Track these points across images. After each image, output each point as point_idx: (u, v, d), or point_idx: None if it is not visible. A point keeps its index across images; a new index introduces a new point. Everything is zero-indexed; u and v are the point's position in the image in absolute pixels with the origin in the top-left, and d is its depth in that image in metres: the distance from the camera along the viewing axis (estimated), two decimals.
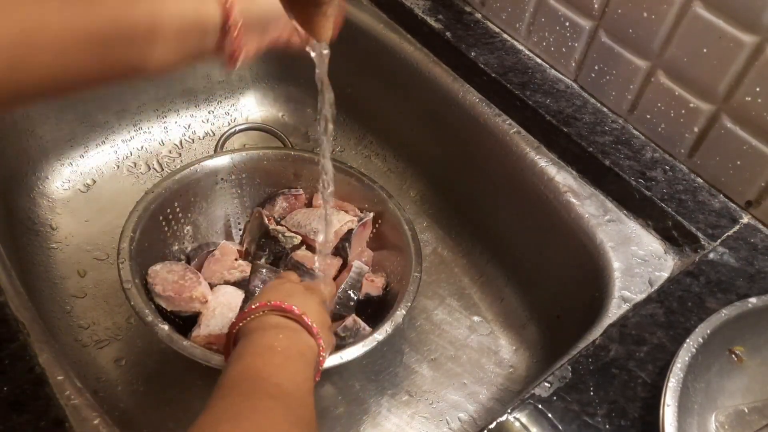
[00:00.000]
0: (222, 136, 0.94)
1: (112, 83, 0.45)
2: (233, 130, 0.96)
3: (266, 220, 0.78)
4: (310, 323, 0.54)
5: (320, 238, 0.71)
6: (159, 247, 0.74)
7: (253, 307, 0.54)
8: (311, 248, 0.78)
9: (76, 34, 0.39)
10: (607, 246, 0.66)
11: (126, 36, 0.41)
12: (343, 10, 0.45)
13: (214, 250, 0.77)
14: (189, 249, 0.78)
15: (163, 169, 0.92)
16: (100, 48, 0.40)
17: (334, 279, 0.76)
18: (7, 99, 0.38)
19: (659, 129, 0.72)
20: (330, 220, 0.70)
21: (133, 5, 0.42)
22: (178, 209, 0.75)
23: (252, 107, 1.02)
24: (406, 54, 0.86)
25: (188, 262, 0.77)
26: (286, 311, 0.53)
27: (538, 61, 0.82)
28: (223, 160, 0.78)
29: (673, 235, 0.66)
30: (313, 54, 0.49)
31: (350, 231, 0.76)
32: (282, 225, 0.80)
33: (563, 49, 0.78)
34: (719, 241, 0.65)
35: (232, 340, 0.54)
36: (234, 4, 0.46)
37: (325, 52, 0.48)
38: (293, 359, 0.51)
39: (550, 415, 0.51)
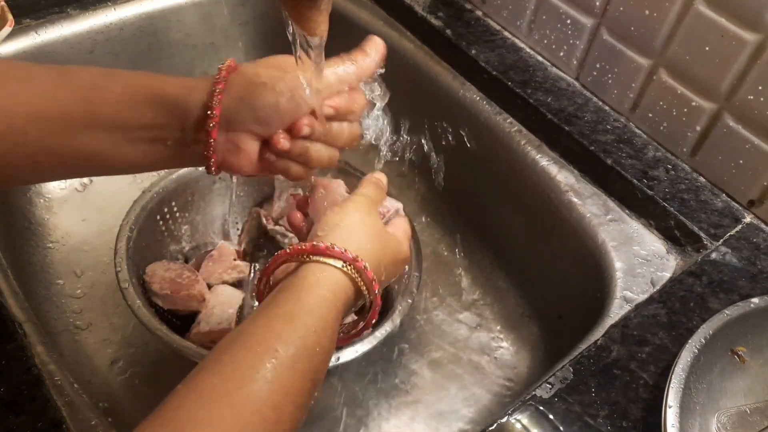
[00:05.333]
0: None
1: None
2: None
3: (264, 221, 0.78)
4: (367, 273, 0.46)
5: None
6: (156, 247, 0.74)
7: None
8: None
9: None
10: (608, 246, 0.66)
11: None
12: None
13: (212, 250, 0.76)
14: (187, 249, 0.78)
15: None
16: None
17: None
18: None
19: (661, 128, 0.72)
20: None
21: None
22: (175, 208, 0.75)
23: None
24: (405, 52, 0.85)
25: (186, 262, 0.76)
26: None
27: (539, 59, 0.81)
28: None
29: (675, 235, 0.66)
30: (306, 86, 0.48)
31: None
32: (280, 225, 0.79)
33: (564, 47, 0.78)
34: (722, 240, 0.65)
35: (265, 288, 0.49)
36: (221, 93, 0.47)
37: (317, 42, 0.46)
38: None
39: (551, 417, 0.51)
